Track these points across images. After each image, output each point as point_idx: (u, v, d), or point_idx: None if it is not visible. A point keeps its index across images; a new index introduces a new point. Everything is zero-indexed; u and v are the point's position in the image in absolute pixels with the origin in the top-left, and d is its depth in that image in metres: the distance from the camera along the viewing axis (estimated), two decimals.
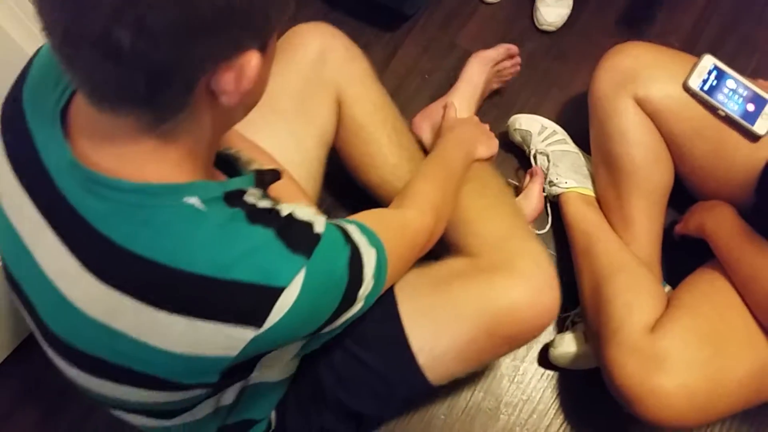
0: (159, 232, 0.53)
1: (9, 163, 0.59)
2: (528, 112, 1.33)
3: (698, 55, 1.06)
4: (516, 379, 1.17)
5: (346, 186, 1.11)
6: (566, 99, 1.39)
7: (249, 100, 0.57)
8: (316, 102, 0.98)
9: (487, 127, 1.16)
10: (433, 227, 0.86)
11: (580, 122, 1.21)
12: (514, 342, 0.88)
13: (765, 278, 0.92)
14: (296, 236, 0.57)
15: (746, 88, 1.04)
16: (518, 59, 1.33)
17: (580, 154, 1.26)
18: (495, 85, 1.35)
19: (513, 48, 1.31)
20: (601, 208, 1.18)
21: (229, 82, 0.50)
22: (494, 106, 1.38)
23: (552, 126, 1.29)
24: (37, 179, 0.57)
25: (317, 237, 0.58)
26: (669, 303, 1.00)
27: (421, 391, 0.87)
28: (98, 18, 0.43)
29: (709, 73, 1.05)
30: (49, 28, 0.46)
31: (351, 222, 0.67)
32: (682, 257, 1.12)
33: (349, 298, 0.63)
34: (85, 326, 0.57)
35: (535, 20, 1.44)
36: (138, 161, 0.53)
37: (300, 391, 0.86)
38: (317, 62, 0.98)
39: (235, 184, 0.59)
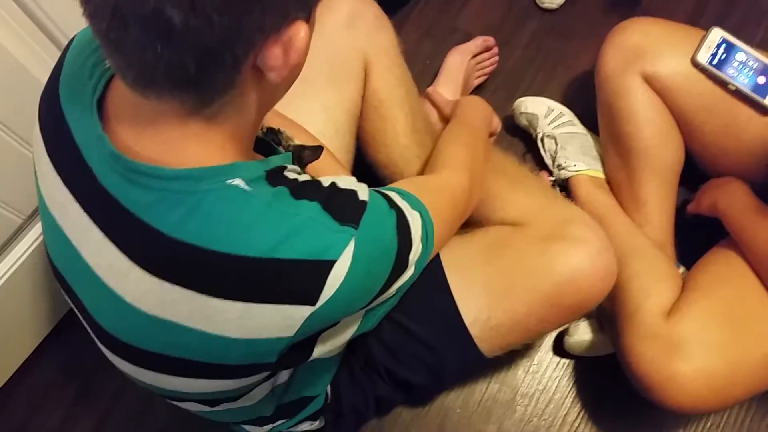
0: (206, 217, 0.52)
1: (50, 161, 0.59)
2: (533, 94, 1.31)
3: (706, 28, 1.03)
4: (531, 369, 1.16)
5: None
6: (572, 78, 1.36)
7: (293, 75, 0.56)
8: (345, 70, 0.96)
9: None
10: (470, 186, 0.83)
11: (587, 101, 1.18)
12: (576, 310, 0.85)
13: None
14: (342, 206, 0.56)
15: (756, 60, 1.01)
16: (496, 50, 1.34)
17: (589, 136, 1.23)
18: (476, 80, 1.34)
19: (490, 39, 1.33)
20: (611, 190, 1.16)
21: (277, 56, 0.49)
22: (498, 89, 1.36)
23: (559, 108, 1.27)
24: (78, 175, 0.56)
25: (363, 204, 0.57)
26: (685, 285, 0.98)
27: (474, 363, 0.86)
28: None
29: (718, 46, 1.02)
30: (94, 11, 0.45)
31: (390, 189, 0.66)
32: (696, 237, 1.10)
33: (401, 263, 0.62)
34: (138, 321, 0.57)
35: None
36: (181, 146, 0.52)
37: (352, 365, 0.86)
38: (347, 28, 0.96)
39: (276, 161, 0.58)
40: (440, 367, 0.85)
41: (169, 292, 0.54)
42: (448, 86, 1.26)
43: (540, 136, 1.24)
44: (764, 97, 0.99)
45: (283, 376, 0.72)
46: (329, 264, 0.53)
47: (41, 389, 1.20)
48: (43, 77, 0.85)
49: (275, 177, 0.56)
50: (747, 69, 1.01)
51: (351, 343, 0.81)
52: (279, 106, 0.83)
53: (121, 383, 1.17)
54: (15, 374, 1.19)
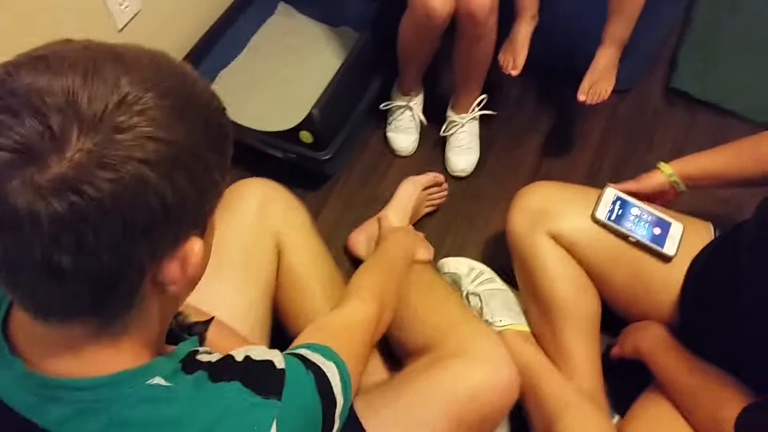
0: (131, 422, 0.50)
1: None
2: (454, 254, 1.38)
3: (601, 186, 1.14)
4: None
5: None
6: (487, 238, 1.44)
7: (194, 282, 0.57)
8: (260, 252, 1.00)
9: (422, 235, 1.24)
10: (378, 314, 0.86)
11: (503, 258, 1.25)
12: (484, 424, 0.86)
13: (705, 399, 0.93)
14: (260, 379, 0.56)
15: (650, 213, 1.11)
16: (446, 186, 1.46)
17: (510, 291, 1.28)
18: (425, 209, 1.44)
19: (440, 176, 1.46)
20: (537, 342, 1.19)
21: (175, 271, 0.50)
22: None
23: (479, 266, 1.33)
24: None
25: (281, 373, 0.57)
26: None
27: None
28: (36, 246, 0.42)
29: (614, 203, 1.12)
30: None
31: (300, 346, 0.66)
32: (626, 382, 1.12)
33: (328, 424, 0.61)
34: None
35: (448, 168, 1.52)
36: (92, 359, 0.51)
37: None
38: (259, 212, 1.01)
39: (186, 348, 0.58)
40: None
41: None
42: (397, 213, 1.36)
43: (465, 293, 1.28)
44: (662, 246, 1.08)
45: None
46: None
47: None
48: None
49: (190, 365, 0.56)
50: (642, 222, 1.10)
51: None
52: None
53: None
54: None
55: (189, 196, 0.47)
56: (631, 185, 1.15)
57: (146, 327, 0.54)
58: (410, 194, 1.40)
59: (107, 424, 0.50)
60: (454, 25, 1.32)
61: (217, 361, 0.58)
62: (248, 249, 0.99)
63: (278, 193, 1.06)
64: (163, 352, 0.58)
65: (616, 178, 1.50)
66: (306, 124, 1.32)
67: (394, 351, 1.09)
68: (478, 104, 1.51)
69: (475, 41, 1.33)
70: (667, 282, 1.07)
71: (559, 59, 1.59)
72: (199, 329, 0.73)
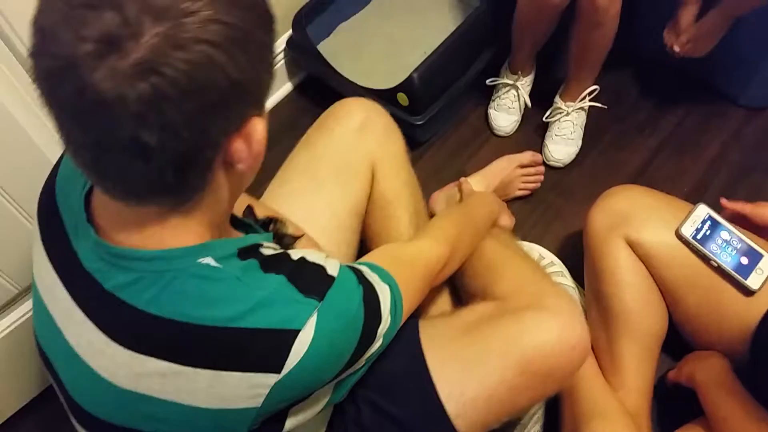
0: (178, 293, 0.56)
1: (43, 248, 0.65)
2: (530, 241, 1.35)
3: (703, 203, 1.07)
4: None
5: None
6: (568, 234, 1.39)
7: (257, 162, 0.60)
8: (353, 172, 1.02)
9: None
10: (447, 257, 0.87)
11: (578, 259, 1.20)
12: (545, 380, 0.84)
13: None
14: (307, 279, 0.60)
15: (741, 240, 1.03)
16: (542, 169, 1.43)
17: (576, 290, 1.24)
18: (517, 191, 1.41)
19: (538, 156, 1.43)
20: (592, 348, 1.15)
21: (242, 149, 0.54)
22: None
23: (550, 257, 1.29)
24: (66, 261, 0.61)
25: (330, 279, 0.60)
26: None
27: None
28: (125, 127, 0.47)
29: (703, 222, 1.05)
30: (77, 149, 0.50)
31: (362, 263, 0.70)
32: (676, 409, 1.07)
33: (368, 336, 0.64)
34: (113, 397, 0.60)
35: (544, 156, 1.48)
36: (158, 235, 0.57)
37: None
38: (358, 133, 1.03)
39: (252, 239, 0.63)
40: None
41: (142, 364, 0.57)
42: (482, 181, 1.35)
43: None
44: (746, 278, 1.00)
45: None
46: (293, 333, 0.56)
47: None
48: (52, 154, 0.93)
49: (247, 252, 0.60)
50: (730, 248, 1.03)
51: (330, 429, 0.83)
52: (290, 199, 0.95)
53: None
54: None
55: (249, 73, 0.51)
56: (745, 207, 1.08)
57: (213, 208, 0.59)
58: (502, 168, 1.38)
59: (160, 292, 0.56)
60: (576, 7, 1.27)
61: (271, 255, 0.62)
62: (345, 167, 1.02)
63: (380, 117, 1.07)
64: (226, 236, 0.64)
65: (726, 199, 1.42)
66: (404, 86, 1.32)
67: (458, 290, 1.08)
68: (589, 94, 1.45)
69: (593, 27, 1.27)
70: (743, 316, 1.00)
71: (694, 65, 1.48)
72: (288, 241, 0.78)
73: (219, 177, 0.56)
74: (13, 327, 1.07)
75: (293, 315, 0.57)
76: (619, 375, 1.08)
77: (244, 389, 0.57)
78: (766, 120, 1.57)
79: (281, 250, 0.63)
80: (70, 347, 0.62)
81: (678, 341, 1.11)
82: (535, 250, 1.29)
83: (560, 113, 1.47)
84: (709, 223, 1.05)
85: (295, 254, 0.62)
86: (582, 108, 1.48)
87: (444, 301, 1.11)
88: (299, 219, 0.94)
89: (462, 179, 1.31)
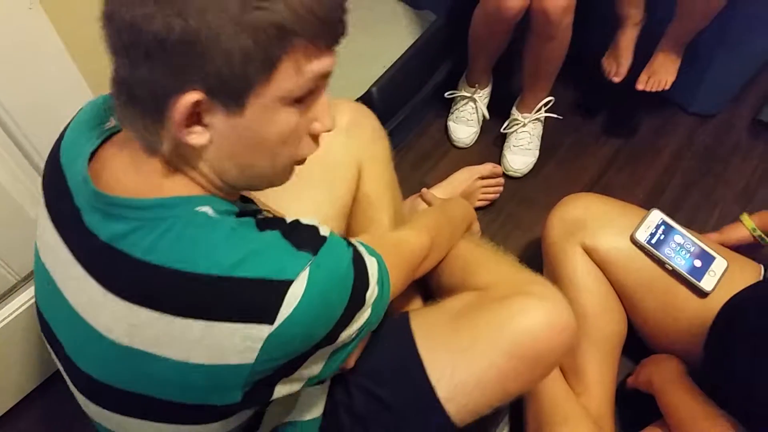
0: (174, 240, 0.56)
1: (47, 210, 0.66)
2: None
3: (660, 209, 1.10)
4: None
5: None
6: (528, 242, 1.41)
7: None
8: (339, 174, 1.03)
9: None
10: (428, 247, 0.89)
11: (540, 265, 1.22)
12: (536, 366, 0.84)
13: None
14: (301, 236, 0.60)
15: (694, 243, 1.06)
16: (502, 180, 1.45)
17: None
18: (477, 202, 1.43)
19: (498, 168, 1.44)
20: None
21: (178, 116, 0.53)
22: None
23: None
24: (68, 218, 0.62)
25: (323, 238, 0.61)
26: None
27: (441, 431, 0.83)
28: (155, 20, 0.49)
29: (657, 227, 1.07)
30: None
31: (351, 239, 0.70)
32: (638, 412, 1.08)
33: (357, 299, 0.64)
34: (109, 354, 0.60)
35: (503, 166, 1.50)
36: (158, 182, 0.58)
37: None
38: (346, 134, 1.03)
39: (249, 206, 0.64)
40: None
41: (137, 315, 0.57)
42: (444, 192, 1.37)
43: None
44: (699, 280, 1.03)
45: None
46: (286, 284, 0.56)
47: None
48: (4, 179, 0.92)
49: (244, 214, 0.61)
50: (684, 251, 1.05)
51: (324, 416, 0.83)
52: (275, 198, 0.92)
53: None
54: None
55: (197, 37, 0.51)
56: (714, 236, 1.12)
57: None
58: (463, 180, 1.40)
59: (157, 240, 0.56)
60: (529, 20, 1.29)
61: (266, 217, 0.62)
62: (331, 168, 1.02)
63: (367, 119, 1.07)
64: (228, 199, 0.64)
65: (679, 204, 1.46)
66: (364, 100, 1.33)
67: (433, 294, 1.08)
68: (545, 105, 1.48)
69: (546, 40, 1.30)
70: (698, 317, 1.02)
71: (638, 72, 1.52)
72: None
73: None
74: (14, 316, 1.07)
75: (286, 265, 0.57)
76: (580, 380, 1.09)
77: (238, 341, 0.56)
78: (717, 126, 1.62)
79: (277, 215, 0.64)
80: (70, 307, 0.62)
81: (637, 344, 1.13)
82: None
83: (517, 124, 1.50)
84: (662, 227, 1.07)
85: (289, 218, 0.63)
86: (538, 119, 1.50)
87: (417, 302, 1.11)
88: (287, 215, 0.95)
89: (423, 190, 1.32)
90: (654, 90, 1.38)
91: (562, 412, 1.01)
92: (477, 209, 1.44)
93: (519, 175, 1.50)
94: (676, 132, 1.60)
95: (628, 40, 1.37)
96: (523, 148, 1.49)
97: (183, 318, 0.56)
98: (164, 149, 0.57)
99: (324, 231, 0.62)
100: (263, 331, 0.56)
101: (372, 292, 0.66)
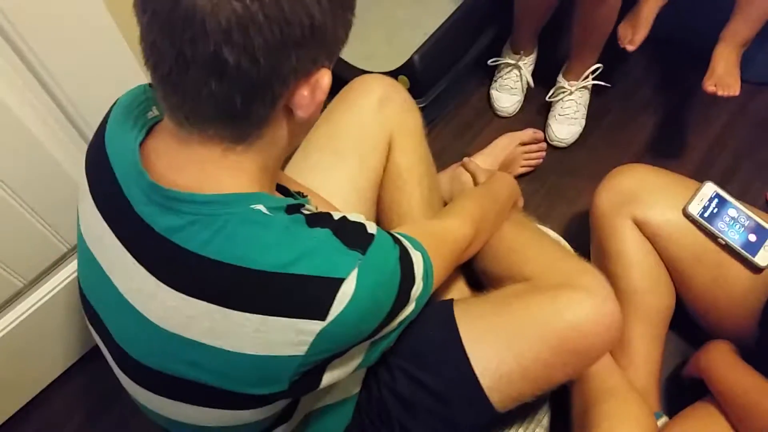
0: (231, 236, 0.57)
1: (93, 201, 0.66)
2: (535, 221, 1.34)
3: (711, 181, 1.06)
4: None
5: None
6: (573, 213, 1.39)
7: (314, 116, 0.62)
8: (371, 145, 1.04)
9: None
10: (471, 237, 0.89)
11: (583, 238, 1.20)
12: (581, 358, 0.85)
13: (759, 414, 0.87)
14: (351, 234, 0.61)
15: (748, 218, 1.03)
16: (544, 145, 1.43)
17: None
18: (520, 169, 1.41)
19: (540, 133, 1.42)
20: None
21: (306, 96, 0.57)
22: None
23: (556, 237, 1.28)
24: (117, 209, 0.63)
25: (371, 236, 0.62)
26: None
27: (486, 417, 0.84)
28: (210, 42, 0.50)
29: (711, 200, 1.04)
30: (157, 59, 0.53)
31: (396, 232, 0.71)
32: (685, 386, 1.07)
33: (403, 295, 0.65)
34: (161, 342, 0.61)
35: (547, 136, 1.47)
36: (215, 176, 0.59)
37: (365, 419, 0.86)
38: (377, 107, 1.04)
39: (294, 200, 0.65)
40: (453, 423, 0.84)
41: (193, 307, 0.58)
42: (486, 160, 1.35)
43: None
44: (754, 255, 1.00)
45: (294, 423, 0.75)
46: (338, 281, 0.58)
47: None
48: (59, 154, 0.94)
49: (291, 209, 0.63)
50: (738, 225, 1.02)
51: (365, 395, 0.85)
52: (312, 173, 0.97)
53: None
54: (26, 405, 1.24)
55: (329, 21, 0.54)
56: None
57: (269, 151, 0.61)
58: (504, 146, 1.38)
59: (214, 235, 0.57)
60: None
61: (315, 213, 0.63)
62: (364, 141, 1.03)
63: (397, 93, 1.08)
64: (272, 194, 0.65)
65: (729, 175, 1.41)
66: (405, 68, 1.31)
67: (478, 278, 1.09)
68: (592, 72, 1.43)
69: (596, 5, 1.25)
70: (751, 293, 0.99)
71: (691, 37, 1.46)
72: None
73: (278, 119, 0.58)
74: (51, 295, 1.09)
75: (338, 264, 0.58)
76: (627, 354, 1.08)
77: (291, 335, 0.58)
78: None
79: (323, 211, 0.65)
80: (119, 294, 0.63)
81: (685, 320, 1.11)
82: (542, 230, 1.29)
83: (563, 92, 1.46)
84: (716, 200, 1.04)
85: (336, 214, 0.64)
86: (585, 87, 1.46)
87: (460, 286, 1.11)
88: (323, 192, 0.97)
89: (466, 159, 1.30)
90: (726, 95, 1.25)
91: (608, 386, 1.00)
92: (519, 177, 1.42)
93: (564, 145, 1.47)
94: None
95: (650, 9, 1.30)
96: (568, 117, 1.46)
97: (239, 312, 0.58)
98: (244, 144, 0.58)
99: (371, 228, 0.64)
100: (316, 326, 0.58)
101: (417, 288, 0.68)
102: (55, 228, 1.03)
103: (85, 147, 0.95)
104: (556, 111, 1.47)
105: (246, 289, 0.57)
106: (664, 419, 1.07)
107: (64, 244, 1.06)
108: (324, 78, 0.57)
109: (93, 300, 0.70)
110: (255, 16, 0.49)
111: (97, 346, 0.75)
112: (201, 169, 0.59)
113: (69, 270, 1.11)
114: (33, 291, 1.08)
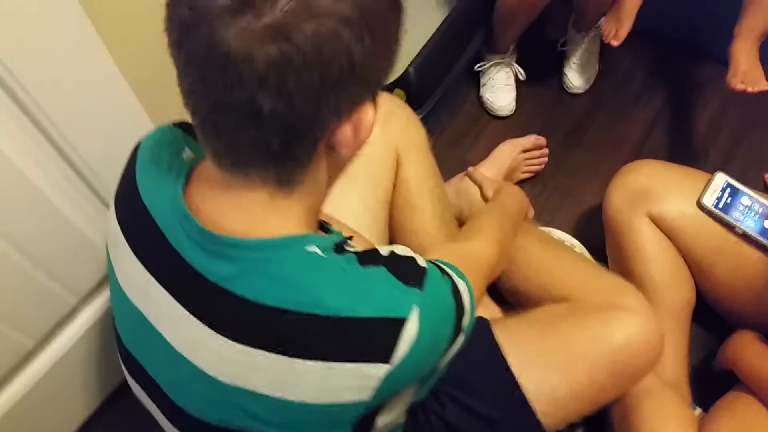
0: (288, 281, 0.55)
1: (131, 250, 0.63)
2: (543, 224, 1.34)
3: (710, 171, 1.07)
4: None
5: None
6: (580, 212, 1.39)
7: (359, 148, 0.60)
8: (379, 163, 1.02)
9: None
10: (497, 258, 0.89)
11: (594, 234, 1.20)
12: (631, 377, 0.88)
13: None
14: (405, 270, 0.59)
15: (761, 204, 1.03)
16: (546, 152, 1.43)
17: None
18: (522, 174, 1.41)
19: (541, 139, 1.42)
20: None
21: (348, 135, 0.54)
22: None
23: (569, 239, 1.29)
24: (162, 258, 0.60)
25: (423, 269, 0.60)
26: (702, 428, 0.94)
27: None
28: (245, 88, 0.47)
29: (723, 190, 1.04)
30: (197, 103, 0.52)
31: (435, 260, 0.69)
32: (713, 376, 1.07)
33: (458, 328, 0.64)
34: (216, 393, 0.59)
35: (564, 84, 1.54)
36: (262, 219, 0.57)
37: None
38: (381, 125, 1.02)
39: (337, 237, 0.62)
40: None
41: (253, 358, 0.56)
42: (491, 169, 1.34)
43: None
44: None
45: None
46: (400, 322, 0.56)
47: None
48: (67, 211, 0.90)
49: (340, 248, 0.60)
50: (753, 213, 1.03)
51: (412, 425, 0.82)
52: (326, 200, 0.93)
53: None
54: None
55: (371, 58, 0.51)
56: None
57: (314, 190, 0.59)
58: (507, 154, 1.37)
59: (271, 281, 0.55)
60: None
61: (364, 251, 0.61)
62: (372, 161, 1.01)
63: (400, 109, 1.07)
64: (317, 232, 0.63)
65: (728, 160, 1.42)
66: (401, 81, 1.30)
67: (505, 296, 1.09)
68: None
69: None
70: None
71: (675, 25, 1.48)
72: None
73: (321, 159, 0.56)
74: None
75: (399, 303, 0.57)
76: None
77: (355, 380, 0.56)
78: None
79: (370, 247, 0.63)
80: (169, 346, 0.61)
81: (709, 312, 1.11)
82: (554, 233, 1.28)
83: (574, 43, 1.50)
84: (728, 190, 1.04)
85: (384, 250, 0.62)
86: (596, 35, 1.51)
87: (484, 300, 1.10)
88: (337, 215, 0.94)
89: (471, 169, 1.29)
90: (756, 90, 1.19)
91: (642, 387, 1.00)
92: (520, 182, 1.41)
93: (581, 91, 1.53)
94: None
95: (633, 3, 1.29)
96: (582, 65, 1.51)
97: (303, 360, 0.55)
98: (289, 186, 0.56)
99: (421, 261, 0.62)
100: (381, 369, 0.56)
101: (467, 318, 0.66)
102: (63, 282, 0.99)
103: (91, 197, 0.93)
104: (571, 60, 1.52)
105: (309, 336, 0.55)
106: (698, 411, 1.07)
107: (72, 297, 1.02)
108: (367, 115, 0.55)
109: (136, 352, 0.67)
110: (290, 60, 0.46)
111: (106, 400, 0.71)
112: (247, 214, 0.57)
113: (78, 324, 1.06)
114: (43, 350, 1.04)
